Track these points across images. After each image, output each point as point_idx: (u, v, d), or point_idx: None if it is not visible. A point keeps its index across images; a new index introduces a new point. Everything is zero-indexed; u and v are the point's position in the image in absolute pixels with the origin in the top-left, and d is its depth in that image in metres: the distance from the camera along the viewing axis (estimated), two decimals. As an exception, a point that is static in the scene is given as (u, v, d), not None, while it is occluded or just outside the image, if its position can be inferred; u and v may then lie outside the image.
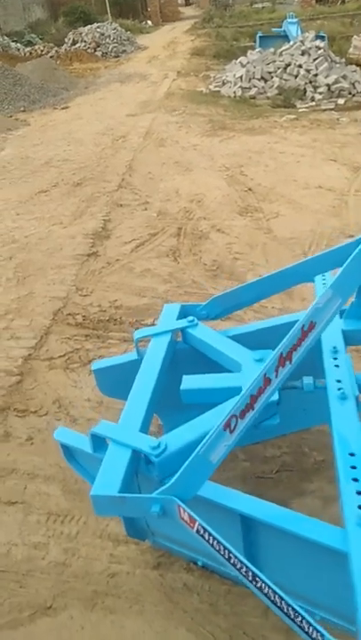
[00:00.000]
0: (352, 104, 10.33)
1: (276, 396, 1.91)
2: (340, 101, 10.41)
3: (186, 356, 2.42)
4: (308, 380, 2.03)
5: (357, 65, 11.65)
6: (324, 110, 9.83)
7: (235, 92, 11.03)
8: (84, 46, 20.14)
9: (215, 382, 2.07)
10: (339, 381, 1.99)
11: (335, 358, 2.12)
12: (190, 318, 2.46)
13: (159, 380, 2.16)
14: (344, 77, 10.90)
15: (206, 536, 1.52)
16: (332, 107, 10.16)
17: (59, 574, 2.26)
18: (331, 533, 1.52)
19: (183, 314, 2.57)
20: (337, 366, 2.07)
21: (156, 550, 2.28)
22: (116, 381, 2.45)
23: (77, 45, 20.17)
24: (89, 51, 19.81)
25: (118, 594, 2.15)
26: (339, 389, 1.94)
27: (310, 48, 11.17)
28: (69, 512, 2.53)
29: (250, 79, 11.22)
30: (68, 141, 8.94)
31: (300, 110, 9.84)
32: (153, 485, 1.81)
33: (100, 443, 1.93)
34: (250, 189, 6.03)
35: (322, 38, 11.89)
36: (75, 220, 5.83)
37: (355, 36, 12.64)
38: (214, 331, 2.46)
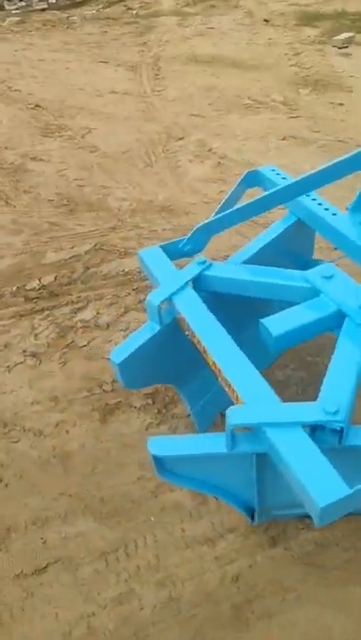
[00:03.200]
0: (64, 3, 9.48)
1: None
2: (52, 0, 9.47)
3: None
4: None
5: None
6: (43, 10, 8.82)
7: None
8: None
9: (308, 315, 1.72)
10: None
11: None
12: (201, 259, 1.98)
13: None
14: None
15: None
16: (46, 6, 9.18)
17: (175, 615, 1.77)
18: None
19: (168, 255, 2.08)
20: None
21: (258, 527, 1.95)
22: (145, 366, 1.88)
23: None
24: None
25: (262, 594, 1.80)
26: None
27: None
28: (124, 539, 1.97)
29: None
30: None
31: (14, 12, 8.63)
32: None
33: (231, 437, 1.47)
34: (37, 106, 5.12)
35: None
36: None
37: None
38: (233, 265, 2.04)
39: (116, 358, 1.81)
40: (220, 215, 2.16)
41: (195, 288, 1.96)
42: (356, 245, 2.06)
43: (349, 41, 6.11)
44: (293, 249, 2.43)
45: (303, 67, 5.66)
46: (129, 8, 8.80)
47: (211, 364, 1.67)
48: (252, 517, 1.83)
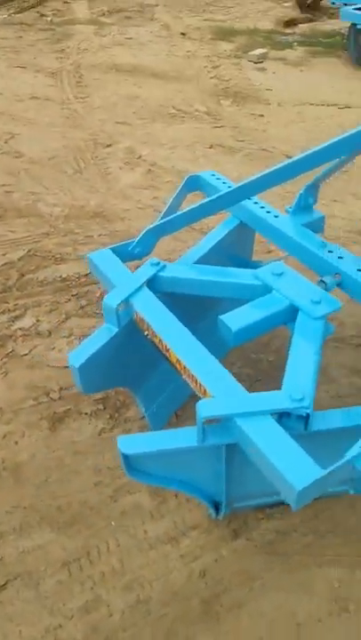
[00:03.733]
0: (-26, 5, 9.18)
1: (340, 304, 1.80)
2: None
3: None
4: (329, 278, 1.96)
5: None
6: None
7: None
8: None
9: (263, 311, 1.78)
10: (360, 270, 1.98)
11: (331, 251, 2.08)
12: (155, 261, 2.00)
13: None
14: None
15: None
16: None
17: (145, 617, 1.75)
18: None
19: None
20: (341, 258, 2.04)
21: (220, 522, 1.98)
22: (103, 369, 1.86)
23: None
24: None
25: (229, 587, 1.82)
26: None
27: None
28: (86, 547, 1.92)
29: None
30: None
31: None
32: None
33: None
34: None
35: None
36: None
37: None
38: (186, 266, 2.07)
39: (75, 362, 1.77)
40: (167, 218, 2.19)
41: (151, 289, 1.97)
42: (298, 244, 2.17)
43: (264, 56, 6.42)
44: (236, 251, 2.51)
45: (222, 79, 5.86)
46: (42, 15, 8.67)
47: (175, 361, 1.69)
48: (217, 511, 1.86)
